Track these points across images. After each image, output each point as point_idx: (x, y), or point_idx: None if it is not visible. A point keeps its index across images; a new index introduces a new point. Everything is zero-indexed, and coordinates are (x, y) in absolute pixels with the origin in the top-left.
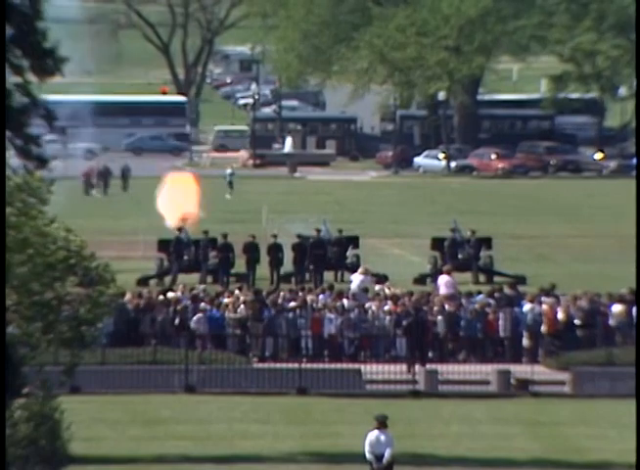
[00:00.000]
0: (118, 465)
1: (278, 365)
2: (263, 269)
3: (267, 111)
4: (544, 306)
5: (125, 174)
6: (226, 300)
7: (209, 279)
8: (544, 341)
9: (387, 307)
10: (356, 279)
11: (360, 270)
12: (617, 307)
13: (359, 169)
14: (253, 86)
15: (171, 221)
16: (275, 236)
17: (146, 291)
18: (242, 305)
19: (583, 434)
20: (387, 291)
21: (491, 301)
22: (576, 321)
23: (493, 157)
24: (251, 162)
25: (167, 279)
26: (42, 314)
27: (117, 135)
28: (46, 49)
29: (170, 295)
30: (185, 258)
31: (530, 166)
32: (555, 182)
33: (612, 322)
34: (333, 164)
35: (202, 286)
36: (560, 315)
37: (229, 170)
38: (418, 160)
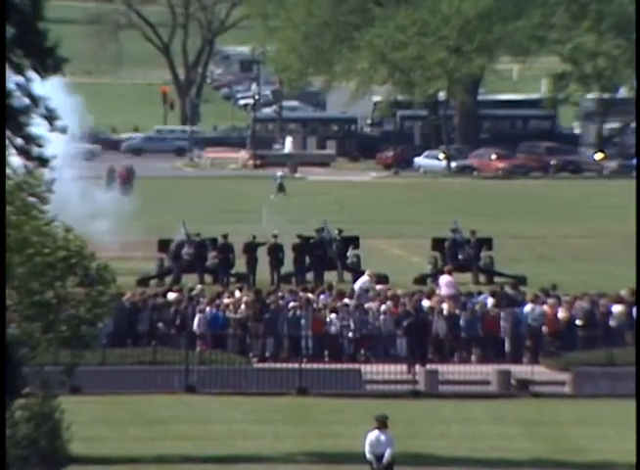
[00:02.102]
0: (119, 465)
1: (278, 365)
2: (264, 270)
3: (267, 111)
4: (545, 307)
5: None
6: (226, 300)
7: (209, 279)
8: (545, 341)
9: (383, 307)
10: (361, 281)
11: (367, 272)
12: (617, 308)
13: (359, 170)
14: (254, 87)
15: None
16: (275, 236)
17: (146, 291)
18: (242, 306)
19: (584, 434)
20: (386, 293)
21: (492, 300)
22: (577, 321)
23: (493, 157)
24: (251, 162)
25: (168, 279)
26: (42, 314)
27: None
28: (47, 49)
29: (171, 295)
30: (185, 258)
31: (531, 167)
32: (555, 182)
33: (612, 323)
34: (333, 165)
35: (199, 286)
36: (560, 316)
37: (280, 173)
38: (418, 160)
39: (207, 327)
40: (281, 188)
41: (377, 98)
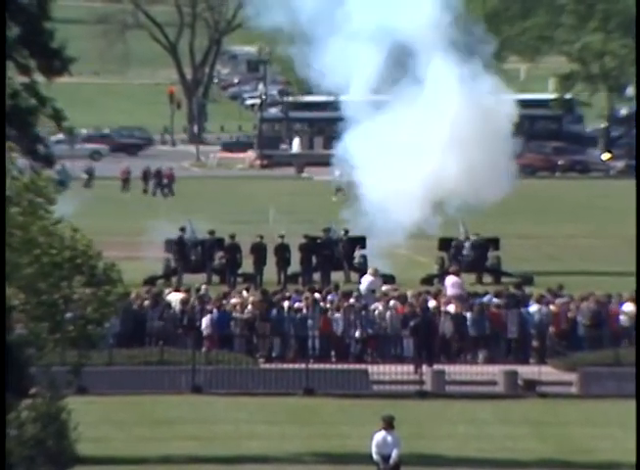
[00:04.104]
0: (125, 466)
1: (285, 366)
2: (271, 270)
3: (274, 111)
4: (552, 307)
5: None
6: (234, 300)
7: (216, 279)
8: (551, 341)
9: (392, 304)
10: (366, 280)
11: (370, 271)
12: (627, 307)
13: None
14: (261, 86)
15: None
16: (282, 236)
17: (152, 291)
18: (249, 306)
19: (590, 434)
20: (393, 293)
21: (497, 300)
22: (584, 322)
23: None
24: (258, 162)
25: (174, 279)
26: (49, 314)
27: None
28: (53, 49)
29: (177, 295)
30: (192, 258)
31: (538, 167)
32: (562, 182)
33: (622, 322)
34: None
35: (204, 286)
36: (567, 316)
37: (337, 172)
38: None
39: (214, 327)
40: (338, 188)
41: (287, 98)
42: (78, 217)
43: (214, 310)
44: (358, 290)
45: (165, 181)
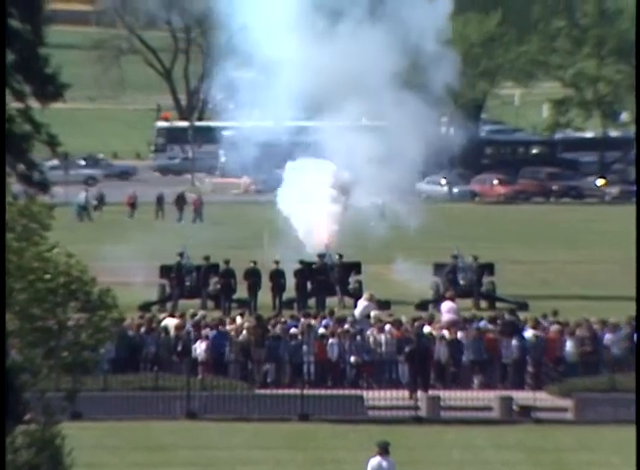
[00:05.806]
0: None
1: (280, 391)
2: (265, 295)
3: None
4: (546, 333)
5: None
6: (228, 326)
7: (211, 305)
8: (546, 367)
9: (387, 329)
10: (360, 305)
11: (365, 296)
12: (619, 333)
13: None
14: (255, 112)
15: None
16: (277, 262)
17: (147, 316)
18: (244, 332)
19: (586, 460)
20: (386, 318)
21: (492, 327)
22: (579, 347)
23: (495, 182)
24: (253, 187)
25: (169, 305)
26: (43, 340)
27: None
28: (48, 75)
29: (172, 321)
30: (187, 284)
31: (532, 192)
32: (557, 208)
33: (614, 348)
34: None
35: (201, 312)
36: (562, 342)
37: (381, 201)
38: (419, 185)
39: (209, 353)
40: (382, 215)
41: (161, 124)
42: (78, 243)
43: (209, 336)
44: (353, 315)
45: (193, 207)
